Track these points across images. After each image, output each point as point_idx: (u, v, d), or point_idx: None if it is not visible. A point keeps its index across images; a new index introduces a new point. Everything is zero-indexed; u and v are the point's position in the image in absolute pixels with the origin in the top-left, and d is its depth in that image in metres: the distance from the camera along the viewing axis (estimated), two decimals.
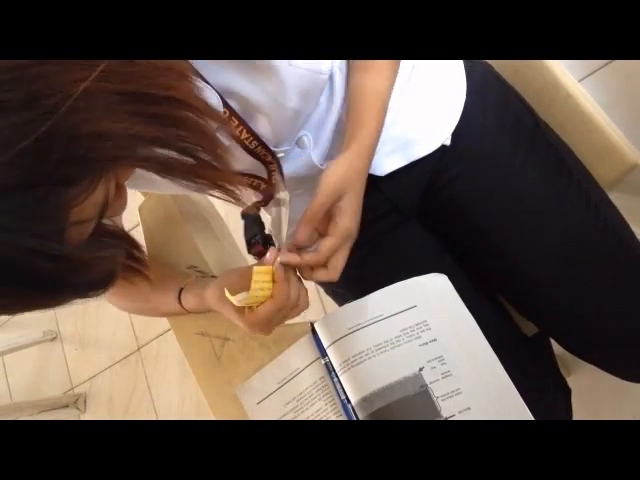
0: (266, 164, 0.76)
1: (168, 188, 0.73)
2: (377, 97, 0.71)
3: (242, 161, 0.73)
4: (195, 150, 0.51)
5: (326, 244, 0.65)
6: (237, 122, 0.68)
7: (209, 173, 0.54)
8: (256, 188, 0.79)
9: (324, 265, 0.67)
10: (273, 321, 0.67)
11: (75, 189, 0.42)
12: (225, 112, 0.66)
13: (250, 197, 0.84)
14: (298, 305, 0.68)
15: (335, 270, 0.67)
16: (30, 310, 0.46)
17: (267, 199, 0.81)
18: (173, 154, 0.49)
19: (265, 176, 0.78)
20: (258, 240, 0.76)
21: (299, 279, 0.69)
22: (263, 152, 0.73)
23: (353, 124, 0.71)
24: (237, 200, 0.61)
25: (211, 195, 0.60)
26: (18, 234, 0.39)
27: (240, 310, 0.67)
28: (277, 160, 0.76)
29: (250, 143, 0.71)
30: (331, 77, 0.75)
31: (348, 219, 0.66)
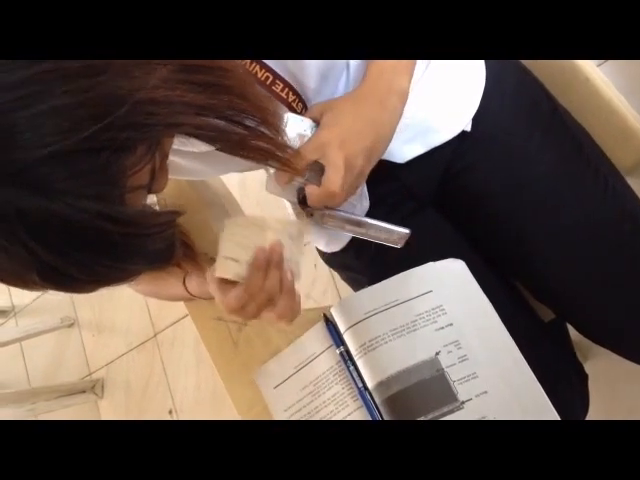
0: None
1: (194, 173, 0.74)
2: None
3: None
4: (246, 118, 0.52)
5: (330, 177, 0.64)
6: (282, 85, 0.68)
7: (261, 141, 0.55)
8: None
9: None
10: (247, 309, 0.63)
11: (134, 156, 0.44)
12: (268, 77, 0.66)
13: None
14: (276, 304, 0.64)
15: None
16: (100, 282, 0.47)
17: None
18: (226, 124, 0.51)
19: None
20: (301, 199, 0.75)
21: (292, 290, 0.66)
22: None
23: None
24: (291, 168, 0.61)
25: (267, 165, 0.61)
26: (85, 198, 0.41)
27: (222, 288, 0.64)
28: None
29: (297, 105, 0.71)
30: (348, 63, 0.75)
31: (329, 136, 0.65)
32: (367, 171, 0.69)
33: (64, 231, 0.41)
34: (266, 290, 0.62)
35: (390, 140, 0.70)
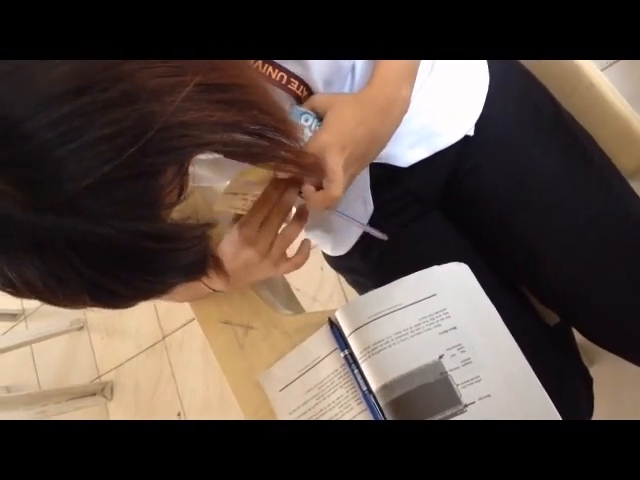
0: None
1: (202, 179, 0.75)
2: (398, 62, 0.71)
3: None
4: (269, 131, 0.54)
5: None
6: (298, 82, 0.69)
7: (283, 150, 0.57)
8: None
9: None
10: (264, 230, 0.68)
11: (168, 176, 0.46)
12: (283, 76, 0.68)
13: None
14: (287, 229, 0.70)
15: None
16: (142, 297, 0.48)
17: None
18: (251, 138, 0.52)
19: None
20: None
21: (305, 217, 0.72)
22: None
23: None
24: (313, 173, 0.63)
25: (288, 172, 0.63)
26: (128, 220, 0.43)
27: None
28: None
29: None
30: (353, 68, 0.76)
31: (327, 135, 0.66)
32: (358, 173, 0.70)
33: (112, 252, 0.43)
34: (282, 203, 0.68)
35: (384, 146, 0.71)
